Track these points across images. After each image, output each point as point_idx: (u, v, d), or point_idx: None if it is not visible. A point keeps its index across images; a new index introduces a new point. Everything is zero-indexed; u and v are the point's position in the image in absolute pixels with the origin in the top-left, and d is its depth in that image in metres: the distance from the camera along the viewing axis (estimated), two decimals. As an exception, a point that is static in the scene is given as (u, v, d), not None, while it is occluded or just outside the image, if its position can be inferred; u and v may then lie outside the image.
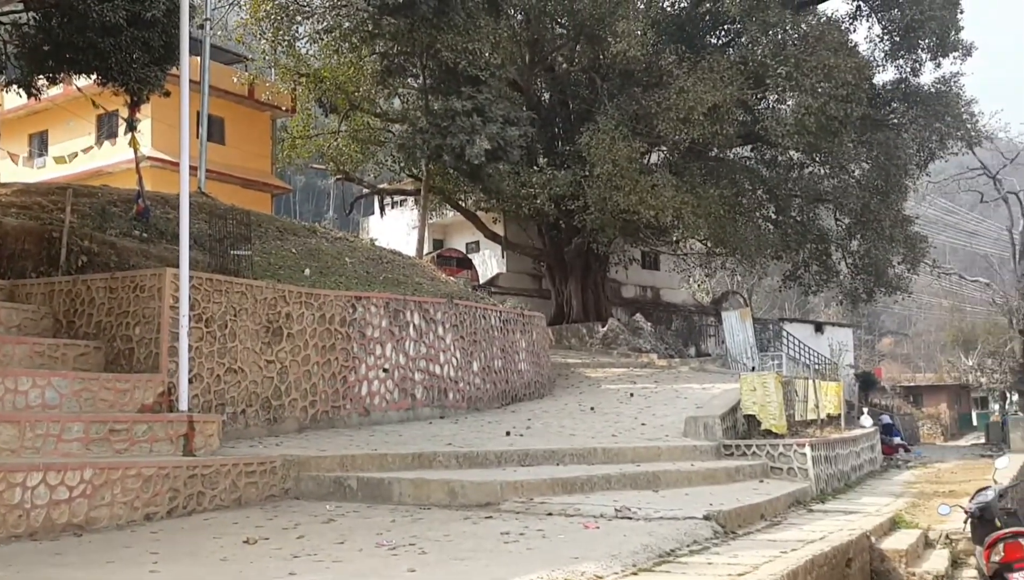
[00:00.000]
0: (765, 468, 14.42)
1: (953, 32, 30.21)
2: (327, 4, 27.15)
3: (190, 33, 12.50)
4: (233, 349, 12.63)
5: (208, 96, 22.78)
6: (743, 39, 30.09)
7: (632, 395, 20.60)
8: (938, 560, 10.70)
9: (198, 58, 22.03)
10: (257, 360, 13.05)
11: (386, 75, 28.31)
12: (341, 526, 8.66)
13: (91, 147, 22.77)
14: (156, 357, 11.47)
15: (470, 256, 38.82)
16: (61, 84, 17.01)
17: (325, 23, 27.17)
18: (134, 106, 15.54)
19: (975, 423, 60.61)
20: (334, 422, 14.38)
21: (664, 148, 31.27)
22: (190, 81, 11.98)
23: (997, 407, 59.64)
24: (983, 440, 40.86)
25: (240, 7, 31.12)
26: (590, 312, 33.51)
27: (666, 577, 6.93)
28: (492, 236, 35.53)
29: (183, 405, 10.70)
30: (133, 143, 16.41)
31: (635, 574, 6.93)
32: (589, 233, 30.12)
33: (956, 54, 30.87)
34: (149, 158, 25.20)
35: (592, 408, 18.69)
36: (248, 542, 7.79)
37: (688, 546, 8.26)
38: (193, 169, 17.80)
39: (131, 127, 16.04)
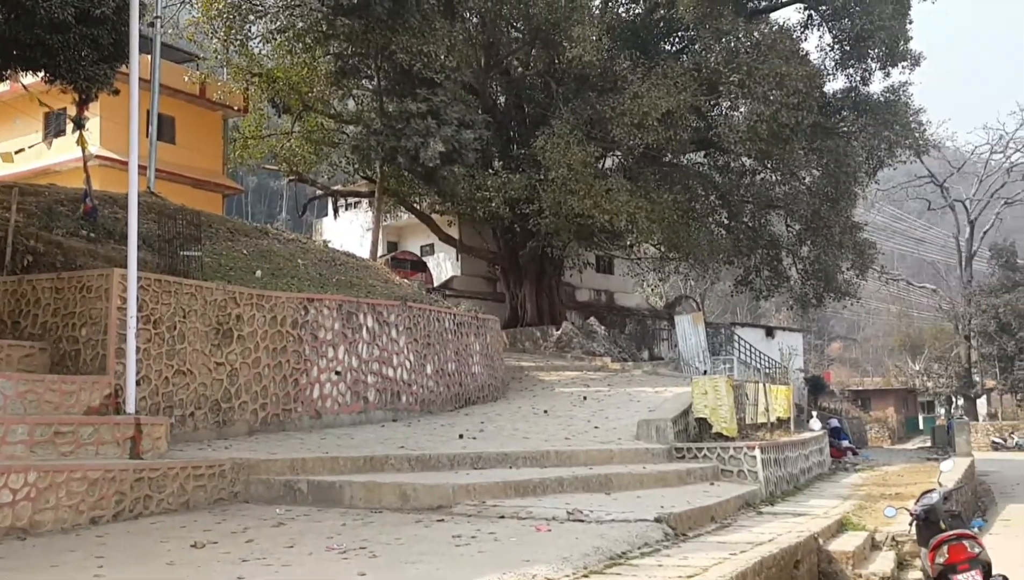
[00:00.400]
0: (716, 471, 14.55)
1: (902, 42, 30.76)
2: (280, 4, 26.88)
3: (140, 31, 12.31)
4: (182, 351, 12.47)
5: (158, 95, 22.48)
6: (696, 46, 30.36)
7: (585, 398, 20.67)
8: (884, 562, 10.87)
9: (148, 56, 21.71)
10: (206, 362, 12.89)
11: (340, 76, 28.15)
12: (291, 530, 8.59)
13: (37, 144, 22.32)
14: (103, 359, 11.29)
15: (425, 259, 38.74)
16: (7, 81, 16.65)
17: (278, 23, 26.91)
18: (82, 104, 15.25)
19: (921, 427, 61.80)
20: (285, 425, 14.25)
21: (619, 153, 31.45)
22: (140, 79, 11.81)
23: (943, 411, 60.89)
24: (929, 444, 41.62)
25: (192, 5, 30.72)
26: (544, 316, 33.58)
27: (617, 579, 6.95)
28: (447, 239, 35.46)
29: (130, 407, 10.56)
30: (81, 142, 16.11)
31: (586, 576, 6.96)
32: (544, 237, 30.20)
33: (905, 64, 31.46)
34: (97, 157, 24.78)
35: (545, 411, 18.72)
36: (196, 546, 7.70)
37: (639, 548, 8.30)
38: (142, 168, 17.61)
39: (79, 125, 15.75)
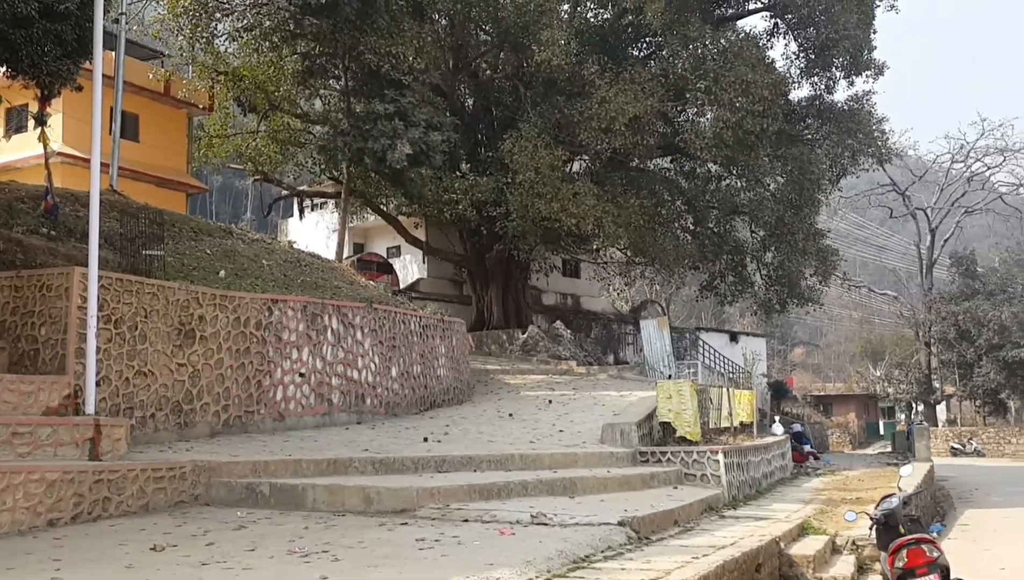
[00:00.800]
0: (679, 475, 14.62)
1: (866, 51, 31.17)
2: (247, 2, 26.63)
3: (105, 27, 12.17)
4: (143, 351, 12.32)
5: (122, 92, 22.20)
6: (664, 52, 30.54)
7: (551, 402, 20.68)
8: (844, 566, 10.97)
9: (113, 52, 21.45)
10: (168, 363, 12.75)
11: (307, 76, 27.95)
12: (252, 533, 8.52)
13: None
14: (62, 359, 11.13)
15: (391, 261, 38.58)
16: (-33, 76, 16.38)
17: (245, 21, 26.66)
18: (45, 100, 15.04)
19: (882, 432, 62.54)
20: (247, 427, 14.13)
21: (586, 157, 31.54)
22: (104, 76, 11.67)
23: (903, 417, 61.67)
24: (889, 449, 42.13)
25: (157, 2, 30.41)
26: (510, 319, 33.58)
27: (580, 583, 6.97)
28: (413, 241, 35.35)
29: (90, 408, 10.43)
30: (43, 138, 15.87)
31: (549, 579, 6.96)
32: (511, 240, 30.21)
33: (869, 73, 31.89)
34: (59, 154, 24.43)
35: (511, 415, 18.71)
36: (155, 549, 7.62)
37: (602, 552, 8.32)
38: (105, 166, 17.37)
39: (41, 122, 15.51)
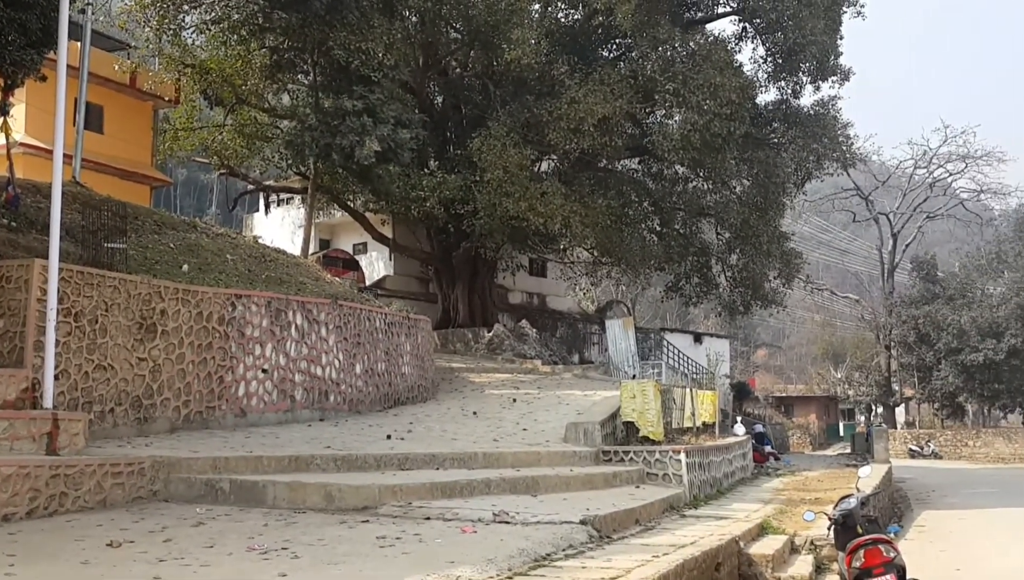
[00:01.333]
0: (642, 474, 14.71)
1: (832, 57, 31.47)
2: (216, -6, 26.43)
3: (70, 17, 12.06)
4: (103, 345, 12.19)
5: (87, 83, 21.91)
6: (634, 54, 30.62)
7: (515, 401, 20.71)
8: (803, 565, 11.10)
9: (78, 43, 21.16)
10: (128, 357, 12.62)
11: (275, 70, 27.75)
12: (211, 529, 8.45)
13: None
14: (20, 351, 10.98)
15: (357, 257, 38.39)
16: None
17: (213, 14, 26.42)
18: (7, 90, 14.82)
19: (842, 434, 63.19)
20: (208, 423, 14.02)
21: (554, 157, 31.59)
22: (68, 66, 11.54)
23: (863, 419, 62.33)
24: (849, 450, 42.57)
25: (124, -8, 30.01)
26: (476, 317, 33.54)
27: (540, 581, 6.99)
28: (380, 238, 35.20)
29: (48, 402, 10.29)
30: (5, 128, 15.62)
31: (510, 578, 6.97)
32: (478, 238, 30.19)
33: (835, 78, 32.24)
34: (21, 144, 24.00)
35: (475, 413, 18.72)
36: (112, 545, 7.54)
37: (564, 550, 8.35)
38: (68, 158, 17.07)
39: (3, 112, 15.27)
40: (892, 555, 8.68)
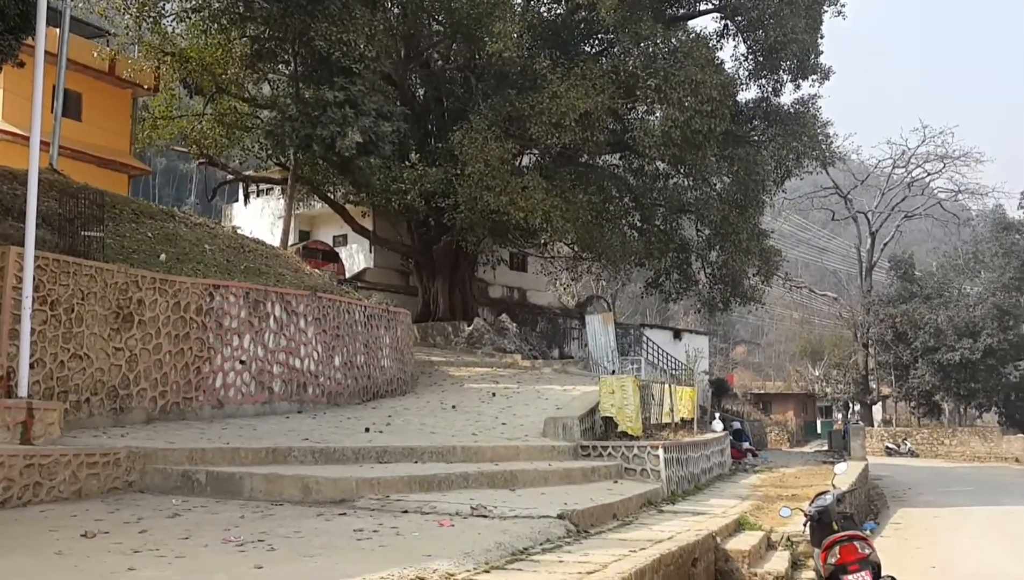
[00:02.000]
0: (620, 469, 14.73)
1: (813, 56, 31.60)
2: (197, -18, 26.21)
3: (49, 3, 11.86)
4: (79, 334, 12.07)
5: (65, 69, 21.67)
6: (616, 49, 30.63)
7: (494, 395, 20.71)
8: (779, 561, 11.13)
9: (56, 29, 20.96)
10: (105, 347, 12.51)
11: (256, 59, 27.56)
12: (187, 521, 8.38)
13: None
14: (-6, 340, 10.84)
15: (337, 249, 38.29)
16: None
17: (194, 2, 26.18)
18: (-17, 74, 14.70)
19: (819, 431, 63.56)
20: (185, 414, 13.93)
21: (536, 151, 31.57)
22: (46, 53, 11.43)
23: (840, 416, 62.77)
24: (826, 447, 42.80)
25: (104, -21, 29.70)
26: (456, 311, 33.52)
27: (518, 575, 6.96)
28: (360, 230, 35.08)
29: (22, 391, 10.20)
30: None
31: (487, 572, 6.94)
32: (459, 232, 30.14)
33: (815, 77, 32.34)
34: (-3, 131, 23.83)
35: (454, 406, 18.70)
36: (86, 535, 7.46)
37: (541, 544, 8.34)
38: (45, 145, 16.92)
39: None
40: (867, 552, 8.72)
